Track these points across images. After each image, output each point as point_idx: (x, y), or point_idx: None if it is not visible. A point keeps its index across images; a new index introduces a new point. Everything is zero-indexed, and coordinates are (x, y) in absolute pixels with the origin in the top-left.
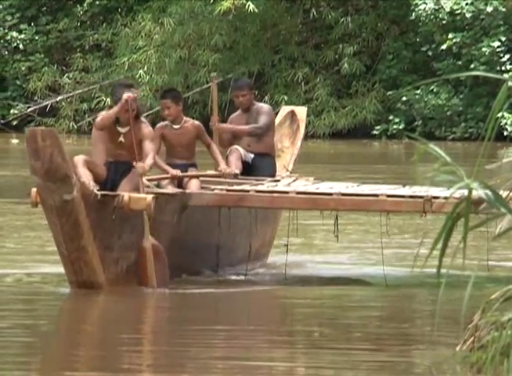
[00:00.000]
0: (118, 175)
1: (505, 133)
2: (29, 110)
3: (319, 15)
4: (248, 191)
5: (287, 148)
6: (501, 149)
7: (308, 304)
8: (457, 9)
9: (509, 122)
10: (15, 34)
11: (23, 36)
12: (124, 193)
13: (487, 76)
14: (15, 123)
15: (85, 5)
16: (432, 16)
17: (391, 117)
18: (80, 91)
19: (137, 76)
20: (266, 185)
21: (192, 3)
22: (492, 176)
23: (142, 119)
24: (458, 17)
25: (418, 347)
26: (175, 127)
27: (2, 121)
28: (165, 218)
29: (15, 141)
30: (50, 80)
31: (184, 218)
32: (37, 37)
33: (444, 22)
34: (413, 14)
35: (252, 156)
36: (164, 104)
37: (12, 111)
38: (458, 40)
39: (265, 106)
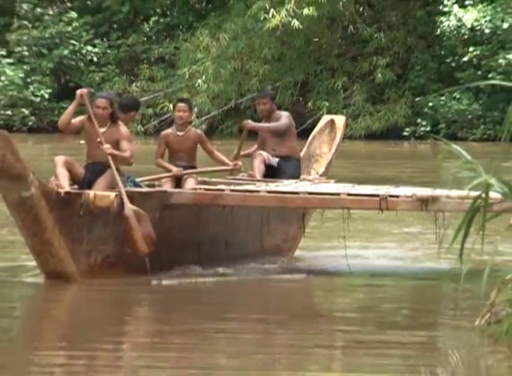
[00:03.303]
0: (94, 175)
1: None
2: None
3: (356, 31)
4: (223, 190)
5: (325, 154)
6: None
7: (335, 294)
8: (477, 26)
9: None
10: (89, 48)
11: (96, 50)
12: (90, 191)
13: (503, 85)
14: None
15: (151, 22)
16: (455, 32)
17: (418, 121)
18: (146, 98)
19: (196, 84)
20: (254, 185)
21: (245, 20)
22: (509, 173)
23: (119, 122)
24: (478, 33)
25: (441, 321)
26: (179, 134)
27: None
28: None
29: (82, 141)
30: (120, 88)
31: (168, 215)
32: (109, 51)
33: (465, 37)
34: (439, 30)
35: (277, 160)
36: (181, 107)
37: None
38: (478, 52)
39: (283, 113)
